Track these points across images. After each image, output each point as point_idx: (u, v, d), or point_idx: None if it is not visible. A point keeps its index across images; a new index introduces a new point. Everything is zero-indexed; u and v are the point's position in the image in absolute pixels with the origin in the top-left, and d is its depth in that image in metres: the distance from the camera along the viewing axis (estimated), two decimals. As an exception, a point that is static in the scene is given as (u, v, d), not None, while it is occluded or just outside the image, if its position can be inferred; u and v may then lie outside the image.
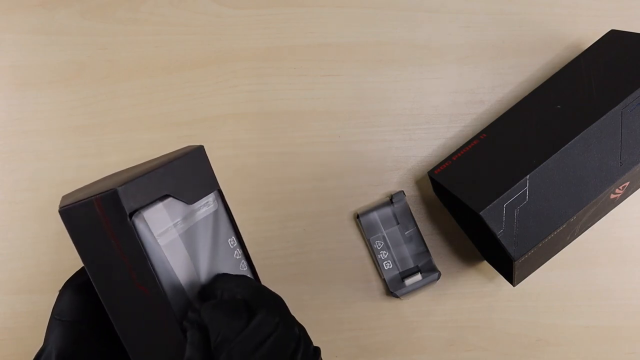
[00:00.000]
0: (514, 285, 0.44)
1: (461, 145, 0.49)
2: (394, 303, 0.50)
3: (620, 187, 0.42)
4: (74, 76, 0.51)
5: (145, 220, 0.30)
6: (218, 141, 0.50)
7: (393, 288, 0.48)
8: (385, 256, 0.49)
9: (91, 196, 0.29)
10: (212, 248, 0.35)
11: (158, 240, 0.31)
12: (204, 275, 0.33)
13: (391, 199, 0.49)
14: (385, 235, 0.49)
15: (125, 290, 0.31)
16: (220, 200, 0.37)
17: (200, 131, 0.50)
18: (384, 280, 0.49)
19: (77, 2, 0.51)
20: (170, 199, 0.33)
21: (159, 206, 0.32)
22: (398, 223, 0.49)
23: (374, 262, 0.50)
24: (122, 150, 0.50)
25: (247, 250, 0.38)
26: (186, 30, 0.51)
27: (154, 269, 0.30)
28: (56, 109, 0.50)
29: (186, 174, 0.35)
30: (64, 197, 0.34)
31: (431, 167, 0.48)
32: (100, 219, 0.30)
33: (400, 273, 0.48)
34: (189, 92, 0.51)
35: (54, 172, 0.50)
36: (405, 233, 0.49)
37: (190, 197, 0.34)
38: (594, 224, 0.47)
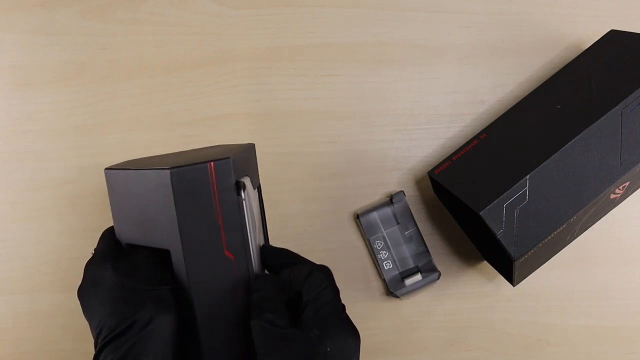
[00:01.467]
0: (514, 285, 0.44)
1: (461, 145, 0.49)
2: (394, 303, 0.50)
3: (620, 187, 0.42)
4: (74, 76, 0.51)
5: (246, 191, 0.33)
6: (218, 141, 0.50)
7: (393, 288, 0.48)
8: (385, 256, 0.49)
9: (201, 162, 0.31)
10: (256, 232, 0.37)
11: (247, 213, 0.33)
12: (256, 250, 0.35)
13: (391, 199, 0.49)
14: (385, 235, 0.49)
15: (212, 256, 0.32)
16: (259, 193, 0.41)
17: (200, 131, 0.50)
18: (384, 280, 0.49)
19: (77, 2, 0.51)
20: (248, 179, 0.35)
21: (248, 181, 0.34)
22: (398, 223, 0.49)
23: (374, 262, 0.50)
24: (122, 150, 0.50)
25: (268, 241, 0.42)
26: (186, 30, 0.51)
27: (247, 236, 0.33)
28: (56, 109, 0.50)
29: (251, 163, 0.39)
30: (110, 167, 0.36)
31: (431, 167, 0.48)
32: (209, 183, 0.31)
33: (400, 273, 0.48)
34: (189, 92, 0.51)
35: (54, 172, 0.50)
36: (405, 233, 0.49)
37: (254, 182, 0.38)
38: (594, 224, 0.47)
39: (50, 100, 0.50)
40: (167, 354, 0.31)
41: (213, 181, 0.32)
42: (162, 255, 0.33)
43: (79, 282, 0.51)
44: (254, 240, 0.35)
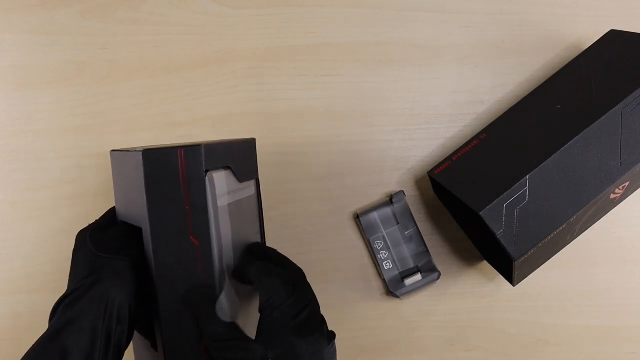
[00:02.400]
0: (514, 285, 0.44)
1: (461, 145, 0.49)
2: (394, 303, 0.50)
3: (620, 187, 0.42)
4: (74, 76, 0.51)
5: (213, 180, 0.34)
6: (218, 141, 0.50)
7: (393, 288, 0.48)
8: (385, 256, 0.49)
9: (175, 147, 0.33)
10: (242, 226, 0.38)
11: (217, 201, 0.34)
12: (235, 246, 0.36)
13: (391, 199, 0.49)
14: (385, 235, 0.49)
15: (177, 238, 0.33)
16: (255, 188, 0.42)
17: (200, 131, 0.50)
18: (384, 280, 0.49)
19: (77, 2, 0.51)
20: (229, 171, 0.36)
21: (222, 173, 0.36)
22: (398, 223, 0.49)
23: (374, 262, 0.50)
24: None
25: (265, 239, 0.43)
26: (186, 30, 0.51)
27: (209, 224, 0.34)
28: (56, 109, 0.50)
29: (240, 156, 0.40)
30: (115, 150, 0.38)
31: (431, 167, 0.48)
32: (179, 168, 0.33)
33: (400, 273, 0.48)
34: (189, 92, 0.51)
35: (54, 172, 0.50)
36: (405, 233, 0.49)
37: (241, 175, 0.39)
38: (594, 224, 0.47)
39: (50, 100, 0.50)
40: (111, 315, 0.32)
41: (183, 167, 0.33)
42: (138, 233, 0.35)
43: (79, 282, 0.51)
44: (226, 232, 0.36)
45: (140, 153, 0.33)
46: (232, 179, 0.37)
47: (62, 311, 0.32)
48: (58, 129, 0.50)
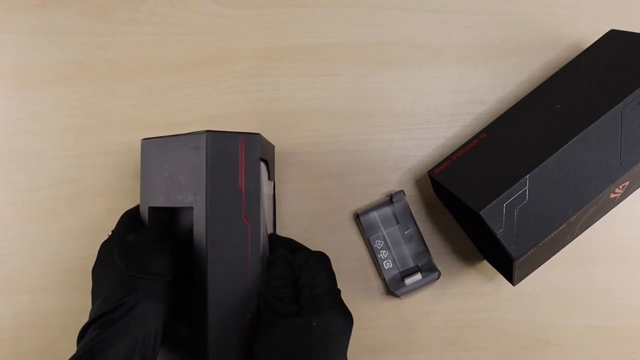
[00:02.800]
0: (514, 285, 0.44)
1: (461, 145, 0.49)
2: (394, 303, 0.50)
3: (620, 187, 0.42)
4: (74, 76, 0.51)
5: (263, 168, 0.38)
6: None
7: (393, 288, 0.48)
8: (385, 256, 0.49)
9: (237, 132, 0.36)
10: (268, 214, 0.41)
11: (262, 190, 0.38)
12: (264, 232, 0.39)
13: (391, 199, 0.49)
14: (385, 235, 0.49)
15: (231, 215, 0.36)
16: (273, 189, 0.45)
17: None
18: (384, 280, 0.49)
19: (77, 2, 0.51)
20: (265, 166, 0.40)
21: (264, 165, 0.40)
22: (398, 223, 0.49)
23: (374, 261, 0.50)
24: (122, 150, 0.50)
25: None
26: (186, 30, 0.51)
27: (260, 206, 0.37)
28: (56, 109, 0.50)
29: (269, 156, 0.43)
30: (146, 138, 0.40)
31: (431, 167, 0.48)
32: (239, 152, 0.36)
33: (400, 273, 0.48)
34: (189, 92, 0.51)
35: (54, 172, 0.50)
36: (405, 233, 0.49)
37: (270, 174, 0.43)
38: (594, 223, 0.47)
39: (50, 100, 0.50)
40: (148, 339, 0.32)
41: (242, 150, 0.36)
42: (170, 241, 0.37)
43: (79, 282, 0.51)
44: (265, 220, 0.39)
45: (205, 134, 0.35)
46: (266, 173, 0.41)
47: (96, 334, 0.32)
48: (58, 129, 0.50)
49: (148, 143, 0.40)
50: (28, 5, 0.51)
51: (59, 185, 0.50)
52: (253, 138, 0.37)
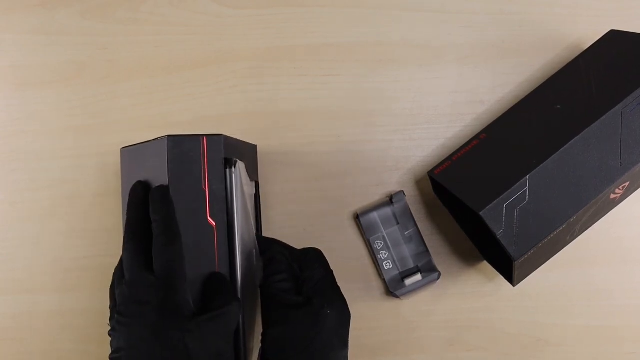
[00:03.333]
0: (514, 285, 0.44)
1: (461, 145, 0.49)
2: (394, 303, 0.50)
3: (620, 187, 0.42)
4: (74, 76, 0.51)
5: (238, 170, 0.37)
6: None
7: (393, 288, 0.48)
8: (385, 256, 0.49)
9: (199, 135, 0.36)
10: (247, 218, 0.40)
11: (235, 190, 0.37)
12: (243, 232, 0.38)
13: (391, 199, 0.49)
14: (385, 235, 0.49)
15: (196, 218, 0.35)
16: (256, 189, 0.45)
17: (200, 131, 0.50)
18: (384, 280, 0.49)
19: (77, 2, 0.51)
20: (244, 165, 0.39)
21: (242, 164, 0.38)
22: (398, 223, 0.49)
23: (374, 262, 0.50)
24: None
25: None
26: (186, 30, 0.51)
27: (227, 208, 0.36)
28: (56, 109, 0.50)
29: (249, 156, 0.43)
30: (125, 146, 0.40)
31: (431, 167, 0.48)
32: (201, 154, 0.36)
33: (400, 273, 0.48)
34: (189, 92, 0.51)
35: (54, 172, 0.50)
36: (405, 233, 0.49)
37: (250, 174, 0.42)
38: (594, 224, 0.47)
39: (50, 100, 0.50)
40: None
41: (204, 152, 0.36)
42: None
43: (79, 282, 0.51)
44: (244, 220, 0.38)
45: (165, 138, 0.35)
46: (245, 173, 0.40)
47: None
48: (58, 129, 0.50)
49: (124, 152, 0.40)
50: (28, 5, 0.51)
51: (59, 185, 0.50)
52: (216, 139, 0.36)
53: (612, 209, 0.47)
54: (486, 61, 0.51)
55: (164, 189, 0.35)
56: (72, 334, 0.49)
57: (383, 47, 0.51)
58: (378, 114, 0.51)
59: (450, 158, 0.47)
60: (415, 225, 0.49)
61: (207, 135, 0.36)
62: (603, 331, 0.50)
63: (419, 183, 0.51)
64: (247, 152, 0.44)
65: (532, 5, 0.52)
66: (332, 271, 0.39)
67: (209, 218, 0.36)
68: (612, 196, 0.43)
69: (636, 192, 0.47)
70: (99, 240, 0.50)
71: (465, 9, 0.52)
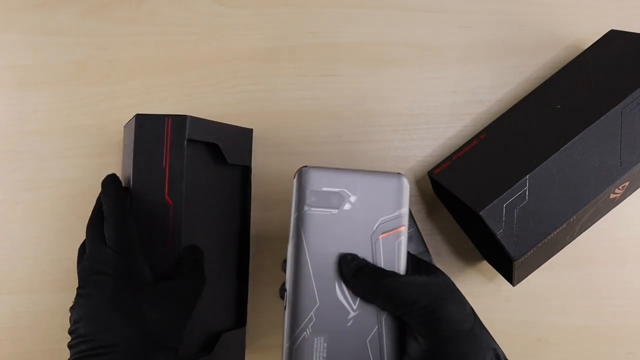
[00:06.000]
0: (514, 285, 0.44)
1: (461, 145, 0.49)
2: (394, 303, 0.50)
3: (620, 187, 0.42)
4: (74, 76, 0.51)
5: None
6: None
7: (393, 288, 0.48)
8: (385, 256, 0.48)
9: (165, 115, 0.38)
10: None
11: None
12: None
13: (391, 199, 0.49)
14: (385, 235, 0.49)
15: (154, 196, 0.37)
16: (241, 175, 0.46)
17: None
18: (384, 280, 0.49)
19: (77, 2, 0.51)
20: (216, 147, 0.40)
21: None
22: (398, 223, 0.49)
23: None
24: (122, 150, 0.50)
25: (249, 226, 0.48)
26: (186, 30, 0.51)
27: (185, 188, 0.37)
28: (56, 109, 0.50)
29: (232, 139, 0.44)
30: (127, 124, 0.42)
31: (431, 167, 0.48)
32: (165, 133, 0.37)
33: (400, 273, 0.48)
34: (189, 92, 0.51)
35: (54, 172, 0.50)
36: (405, 233, 0.49)
37: (230, 156, 0.43)
38: (593, 223, 0.47)
39: (50, 100, 0.50)
40: None
41: (168, 132, 0.37)
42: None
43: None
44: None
45: (134, 117, 0.37)
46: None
47: None
48: (58, 128, 0.50)
49: (125, 129, 0.42)
50: (28, 5, 0.51)
51: (59, 185, 0.50)
52: (180, 119, 0.37)
53: (611, 209, 0.47)
54: (486, 61, 0.51)
55: (112, 175, 0.38)
56: (72, 334, 0.49)
57: (383, 47, 0.51)
58: (378, 114, 0.51)
59: (450, 158, 0.47)
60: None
61: (172, 116, 0.37)
62: (603, 331, 0.50)
63: (419, 183, 0.51)
64: (232, 136, 0.44)
65: (532, 5, 0.52)
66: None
67: (167, 197, 0.37)
68: (612, 196, 0.43)
69: (636, 192, 0.47)
70: (99, 240, 0.50)
71: (465, 9, 0.52)
